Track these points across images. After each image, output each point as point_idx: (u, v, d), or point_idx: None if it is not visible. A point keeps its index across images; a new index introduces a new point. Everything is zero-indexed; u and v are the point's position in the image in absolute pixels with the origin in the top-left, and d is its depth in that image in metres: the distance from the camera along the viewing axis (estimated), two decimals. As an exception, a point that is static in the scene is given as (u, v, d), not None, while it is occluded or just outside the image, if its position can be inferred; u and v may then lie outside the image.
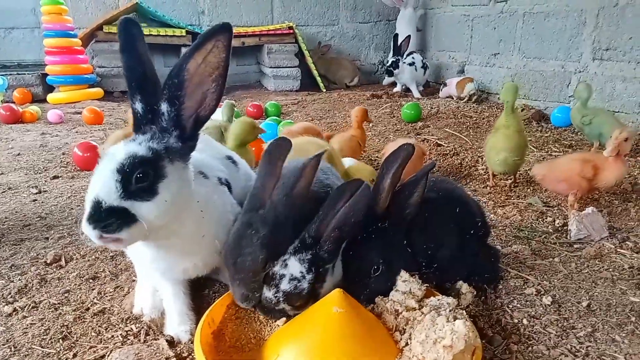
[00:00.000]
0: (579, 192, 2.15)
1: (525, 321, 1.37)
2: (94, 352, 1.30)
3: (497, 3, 5.28)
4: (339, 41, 7.41)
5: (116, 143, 3.03)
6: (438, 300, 1.23)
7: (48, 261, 1.80)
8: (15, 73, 5.75)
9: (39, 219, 2.25)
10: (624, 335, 1.30)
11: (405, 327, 1.20)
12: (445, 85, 5.65)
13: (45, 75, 5.66)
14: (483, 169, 3.01)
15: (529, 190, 2.63)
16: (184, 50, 6.37)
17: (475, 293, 1.45)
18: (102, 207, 1.03)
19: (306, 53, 6.66)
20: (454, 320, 1.09)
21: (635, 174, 2.70)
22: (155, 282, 1.41)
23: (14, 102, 5.50)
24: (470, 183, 2.82)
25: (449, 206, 1.44)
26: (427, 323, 1.11)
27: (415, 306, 1.23)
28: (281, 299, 1.24)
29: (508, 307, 1.44)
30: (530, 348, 1.25)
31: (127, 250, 1.37)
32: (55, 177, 3.00)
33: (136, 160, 1.07)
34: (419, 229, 1.37)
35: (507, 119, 2.55)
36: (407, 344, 1.14)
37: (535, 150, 3.38)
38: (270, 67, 6.65)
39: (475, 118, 4.53)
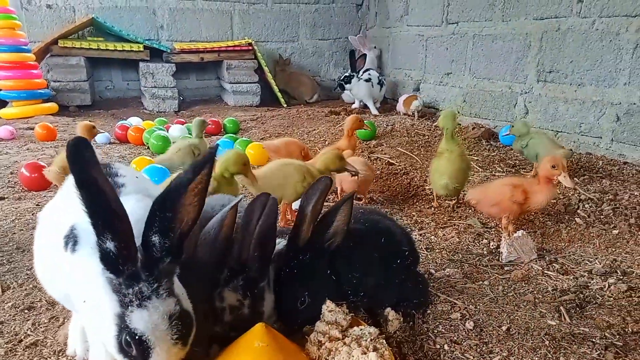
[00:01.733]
0: (511, 215, 2.27)
1: (446, 347, 1.44)
2: (22, 389, 1.30)
3: (449, 24, 5.48)
4: (298, 57, 7.51)
5: (63, 164, 2.96)
6: (361, 330, 1.29)
7: (-16, 290, 1.77)
8: (-35, 86, 5.57)
9: (-23, 245, 2.21)
10: (536, 358, 1.39)
11: (327, 358, 1.25)
12: (397, 101, 5.91)
13: (-3, 89, 5.52)
14: (429, 189, 3.12)
15: (470, 210, 2.74)
16: (142, 65, 6.32)
17: (401, 320, 1.52)
18: None
19: (265, 69, 6.72)
20: (371, 351, 1.14)
21: (569, 194, 2.85)
22: (85, 326, 1.35)
23: (-37, 117, 5.35)
24: (417, 203, 2.92)
25: (375, 237, 1.51)
26: (344, 355, 1.17)
27: (339, 336, 1.29)
28: (228, 329, 1.29)
29: (433, 332, 1.52)
30: (447, 374, 1.33)
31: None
32: (1, 199, 2.93)
33: (177, 319, 1.05)
34: (344, 259, 1.42)
35: (448, 144, 2.67)
36: (328, 375, 1.20)
37: (481, 170, 3.52)
38: (230, 83, 6.68)
39: (427, 136, 4.67)
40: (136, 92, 6.90)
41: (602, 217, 2.54)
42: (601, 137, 3.84)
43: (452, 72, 5.55)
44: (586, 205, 2.67)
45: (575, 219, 2.55)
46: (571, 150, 3.82)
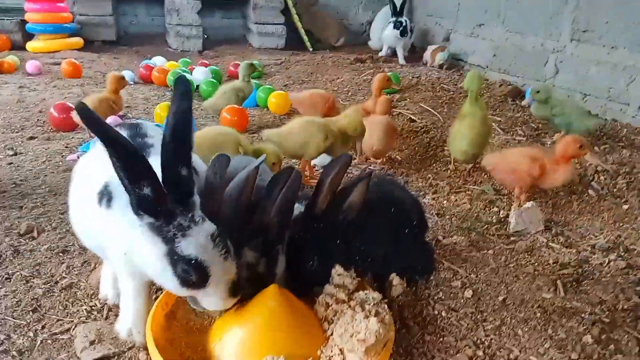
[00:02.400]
0: (524, 186, 2.31)
1: (444, 313, 1.55)
2: (61, 325, 1.46)
3: (484, -28, 5.23)
4: (328, -3, 7.28)
5: (91, 106, 3.08)
6: (365, 294, 1.40)
7: (21, 232, 1.93)
8: (-6, 18, 5.63)
9: (14, 185, 2.36)
10: (526, 330, 1.49)
11: (333, 318, 1.37)
12: (426, 49, 5.82)
13: (25, 22, 5.56)
14: (448, 151, 3.15)
15: (485, 176, 2.78)
16: (167, 1, 6.25)
17: (405, 285, 1.62)
18: (234, 281, 1.24)
19: (292, 10, 6.57)
20: (371, 317, 1.26)
21: (586, 165, 2.85)
22: (117, 273, 1.46)
23: (-8, 48, 5.45)
24: (434, 165, 2.97)
25: (385, 207, 1.59)
26: (347, 318, 1.28)
27: (344, 299, 1.40)
28: (244, 284, 1.39)
29: (433, 298, 1.63)
30: (441, 339, 1.44)
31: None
32: (31, 138, 3.08)
33: (219, 236, 1.19)
34: (356, 229, 1.51)
35: (472, 107, 2.67)
36: (332, 334, 1.32)
37: (502, 132, 3.50)
38: (256, 23, 6.58)
39: (452, 92, 4.60)
40: (161, 29, 6.85)
41: (615, 190, 2.56)
42: (629, 104, 3.74)
43: (484, 23, 5.36)
44: (601, 177, 2.68)
45: (589, 190, 2.57)
46: (603, 119, 3.78)
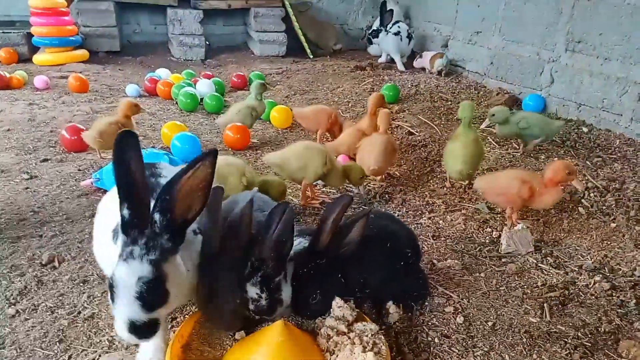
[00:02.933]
0: (515, 206, 2.43)
1: (437, 340, 1.68)
2: (85, 355, 1.60)
3: (481, -19, 5.32)
4: (327, 4, 7.39)
5: (101, 129, 3.17)
6: (364, 325, 1.54)
7: (43, 262, 2.07)
8: (1, 32, 5.75)
9: (32, 213, 2.49)
10: (512, 355, 1.62)
11: (334, 349, 1.50)
12: (420, 56, 5.93)
13: (31, 35, 5.69)
14: (444, 169, 3.27)
15: (479, 194, 2.90)
16: (169, 11, 6.36)
17: (401, 312, 1.76)
18: (137, 324, 1.31)
19: (293, 18, 6.67)
20: (368, 351, 1.39)
21: (577, 180, 2.97)
22: None
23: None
24: (431, 181, 3.09)
25: (382, 241, 1.72)
26: (347, 352, 1.42)
27: (345, 330, 1.53)
28: (254, 316, 1.56)
29: (427, 325, 1.75)
30: (434, 366, 1.58)
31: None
32: (44, 160, 3.21)
33: (146, 284, 1.29)
34: (354, 262, 1.64)
35: (465, 131, 2.80)
36: (334, 365, 1.45)
37: (497, 147, 3.62)
38: (257, 31, 6.68)
39: (450, 102, 4.72)
40: (163, 37, 6.97)
41: (604, 207, 2.68)
42: (622, 115, 3.85)
43: (481, 30, 5.46)
44: (591, 194, 2.80)
45: (579, 208, 2.69)
46: (592, 126, 3.92)
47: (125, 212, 1.28)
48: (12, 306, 1.81)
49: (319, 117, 3.62)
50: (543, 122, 3.39)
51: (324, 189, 2.92)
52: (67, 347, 1.63)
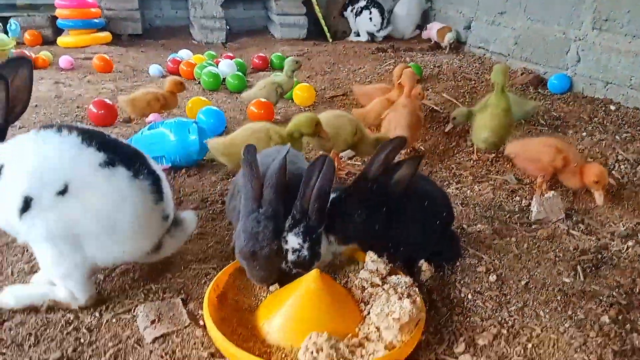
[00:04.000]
0: (546, 175, 2.40)
1: (470, 296, 1.67)
2: (122, 306, 1.63)
3: (506, -39, 5.23)
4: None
5: (135, 96, 3.30)
6: (397, 278, 1.54)
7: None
8: (26, 14, 5.84)
9: (64, 178, 2.53)
10: (547, 311, 1.61)
11: (369, 300, 1.51)
12: (425, 28, 6.01)
13: (56, 17, 5.76)
14: (471, 141, 3.24)
15: (508, 165, 2.87)
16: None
17: (433, 270, 1.75)
18: None
19: (314, 1, 6.65)
20: (404, 298, 1.39)
21: (607, 154, 2.92)
22: None
23: (24, 44, 5.66)
24: (457, 155, 3.06)
25: (418, 200, 1.71)
26: (383, 300, 1.42)
27: (379, 283, 1.54)
28: (292, 267, 1.58)
29: (460, 282, 1.75)
30: (468, 319, 1.57)
31: None
32: (73, 133, 3.25)
33: None
34: (389, 217, 1.64)
35: (496, 98, 2.77)
36: (369, 314, 1.46)
37: (524, 122, 3.57)
38: (278, 15, 6.67)
39: (474, 81, 4.66)
40: (184, 21, 7.01)
41: (635, 179, 2.63)
42: (651, 93, 3.77)
43: (506, 10, 5.37)
44: (622, 167, 2.75)
45: (609, 180, 2.64)
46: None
47: None
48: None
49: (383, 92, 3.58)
50: (518, 105, 3.30)
51: (349, 161, 2.92)
52: (104, 299, 1.66)
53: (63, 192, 1.42)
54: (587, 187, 2.36)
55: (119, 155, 1.51)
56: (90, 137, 1.49)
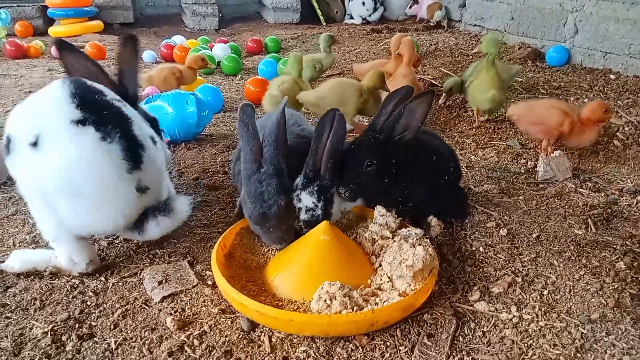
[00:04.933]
0: (551, 138, 2.36)
1: (481, 249, 1.64)
2: (128, 270, 1.59)
3: None
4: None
5: (151, 73, 3.31)
6: (408, 231, 1.51)
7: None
8: (16, 5, 5.75)
9: (62, 156, 2.49)
10: (561, 260, 1.58)
11: (379, 252, 1.48)
12: (416, 2, 5.96)
13: (46, 7, 5.68)
14: (471, 110, 3.21)
15: (510, 132, 2.84)
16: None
17: (443, 226, 1.72)
18: None
19: (306, -16, 6.58)
20: (416, 246, 1.36)
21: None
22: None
23: (15, 36, 5.57)
24: (458, 125, 3.03)
25: (426, 154, 1.67)
26: (395, 248, 1.39)
27: (389, 235, 1.51)
28: (303, 226, 1.54)
29: (470, 237, 1.72)
30: (481, 269, 1.54)
31: None
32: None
33: None
34: (398, 170, 1.60)
35: (488, 65, 2.76)
36: (380, 265, 1.43)
37: (524, 92, 3.54)
38: (270, -1, 6.61)
39: (471, 56, 4.62)
40: (176, 9, 6.93)
41: (640, 139, 2.61)
42: (651, 59, 3.74)
43: (500, -14, 5.32)
44: (626, 128, 2.73)
45: (614, 141, 2.62)
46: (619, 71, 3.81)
47: None
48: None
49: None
50: (503, 70, 3.17)
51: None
52: (109, 264, 1.62)
53: (34, 144, 1.35)
54: (599, 125, 2.32)
55: (96, 115, 1.40)
56: (80, 93, 1.42)
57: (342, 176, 1.56)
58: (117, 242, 1.75)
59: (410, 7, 6.12)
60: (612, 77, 3.89)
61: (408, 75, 2.93)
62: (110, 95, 1.52)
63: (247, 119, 1.53)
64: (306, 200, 1.51)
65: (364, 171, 1.55)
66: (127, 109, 1.53)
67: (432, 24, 5.78)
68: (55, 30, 5.66)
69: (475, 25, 5.74)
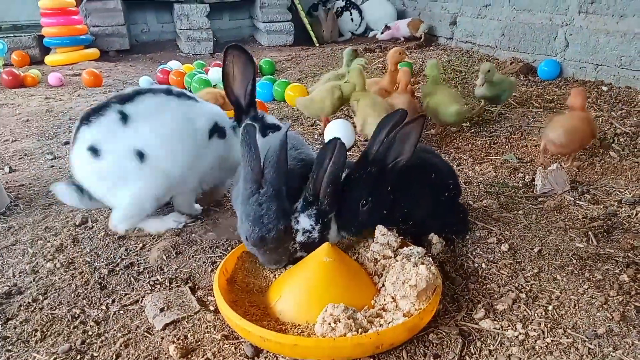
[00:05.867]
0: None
1: (484, 265, 1.64)
2: (129, 298, 1.58)
3: (488, -46, 5.29)
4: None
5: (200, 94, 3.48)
6: (410, 249, 1.50)
7: (77, 223, 2.05)
8: (12, 35, 5.81)
9: (60, 184, 2.49)
10: (564, 275, 1.58)
11: (382, 272, 1.47)
12: (388, 28, 6.18)
13: (42, 37, 5.74)
14: (467, 127, 3.24)
15: (507, 147, 2.86)
16: (176, 7, 6.39)
17: (444, 243, 1.72)
18: None
19: (299, 6, 6.68)
20: (420, 265, 1.35)
21: (605, 129, 2.92)
22: None
23: (12, 65, 5.62)
24: (454, 141, 3.05)
25: (425, 172, 1.68)
26: (398, 268, 1.38)
27: (391, 255, 1.50)
28: (298, 248, 1.54)
29: (472, 254, 1.72)
30: (485, 286, 1.53)
31: None
32: (66, 143, 3.21)
33: None
34: (397, 189, 1.61)
35: (437, 86, 3.07)
36: (383, 285, 1.42)
37: (518, 106, 3.57)
38: (264, 22, 6.69)
39: (464, 73, 4.68)
40: (171, 35, 7.01)
41: (635, 150, 2.63)
42: (642, 70, 3.79)
43: (490, 3, 5.42)
44: (621, 139, 2.75)
45: (610, 152, 2.64)
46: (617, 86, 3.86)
47: None
48: (50, 262, 1.79)
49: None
50: (508, 83, 3.31)
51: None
52: (110, 292, 1.61)
53: None
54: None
55: None
56: None
57: (341, 217, 1.57)
58: (118, 269, 1.74)
59: (383, 33, 6.36)
60: (605, 88, 3.93)
61: (405, 102, 2.97)
62: None
63: (249, 139, 1.54)
64: (304, 222, 1.52)
65: (361, 211, 1.56)
66: None
67: (418, 37, 6.10)
68: (51, 59, 5.72)
69: (466, 42, 5.82)
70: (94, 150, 1.75)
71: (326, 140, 1.57)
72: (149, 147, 1.76)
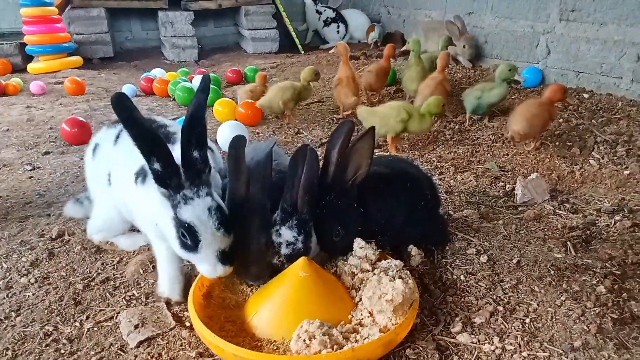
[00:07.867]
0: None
1: (462, 277, 1.64)
2: (104, 314, 1.55)
3: (470, -38, 5.34)
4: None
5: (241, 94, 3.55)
6: (387, 262, 1.49)
7: (53, 236, 2.02)
8: (-7, 43, 5.73)
9: (38, 196, 2.45)
10: (542, 286, 1.58)
11: (360, 286, 1.46)
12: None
13: (24, 44, 5.66)
14: (449, 134, 3.25)
15: (488, 155, 2.88)
16: (161, 14, 6.36)
17: (423, 255, 1.72)
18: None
19: (283, 14, 6.68)
20: (396, 279, 1.35)
21: (585, 137, 2.95)
22: (152, 243, 1.69)
23: (-6, 73, 5.54)
24: (437, 149, 3.06)
25: (401, 182, 1.68)
26: (375, 282, 1.37)
27: (369, 268, 1.49)
28: (284, 261, 1.51)
29: (451, 265, 1.71)
30: (463, 299, 1.53)
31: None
32: (46, 153, 3.16)
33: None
34: (373, 201, 1.60)
35: (416, 62, 3.66)
36: (360, 300, 1.41)
37: (500, 114, 3.60)
38: (249, 30, 6.68)
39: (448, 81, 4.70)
40: (156, 42, 6.97)
41: (615, 158, 2.66)
42: (622, 78, 3.84)
43: (473, 11, 5.47)
44: (601, 147, 2.78)
45: (590, 160, 2.67)
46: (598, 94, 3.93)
47: (156, 165, 1.34)
48: (24, 276, 1.76)
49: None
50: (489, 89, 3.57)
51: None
52: (84, 308, 1.58)
53: None
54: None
55: None
56: None
57: (323, 246, 1.56)
58: (94, 283, 1.71)
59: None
60: (586, 95, 3.98)
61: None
62: None
63: (236, 152, 1.52)
64: (286, 234, 1.49)
65: (337, 241, 1.56)
66: None
67: (369, 44, 6.55)
68: (34, 67, 5.64)
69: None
70: (95, 149, 1.86)
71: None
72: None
